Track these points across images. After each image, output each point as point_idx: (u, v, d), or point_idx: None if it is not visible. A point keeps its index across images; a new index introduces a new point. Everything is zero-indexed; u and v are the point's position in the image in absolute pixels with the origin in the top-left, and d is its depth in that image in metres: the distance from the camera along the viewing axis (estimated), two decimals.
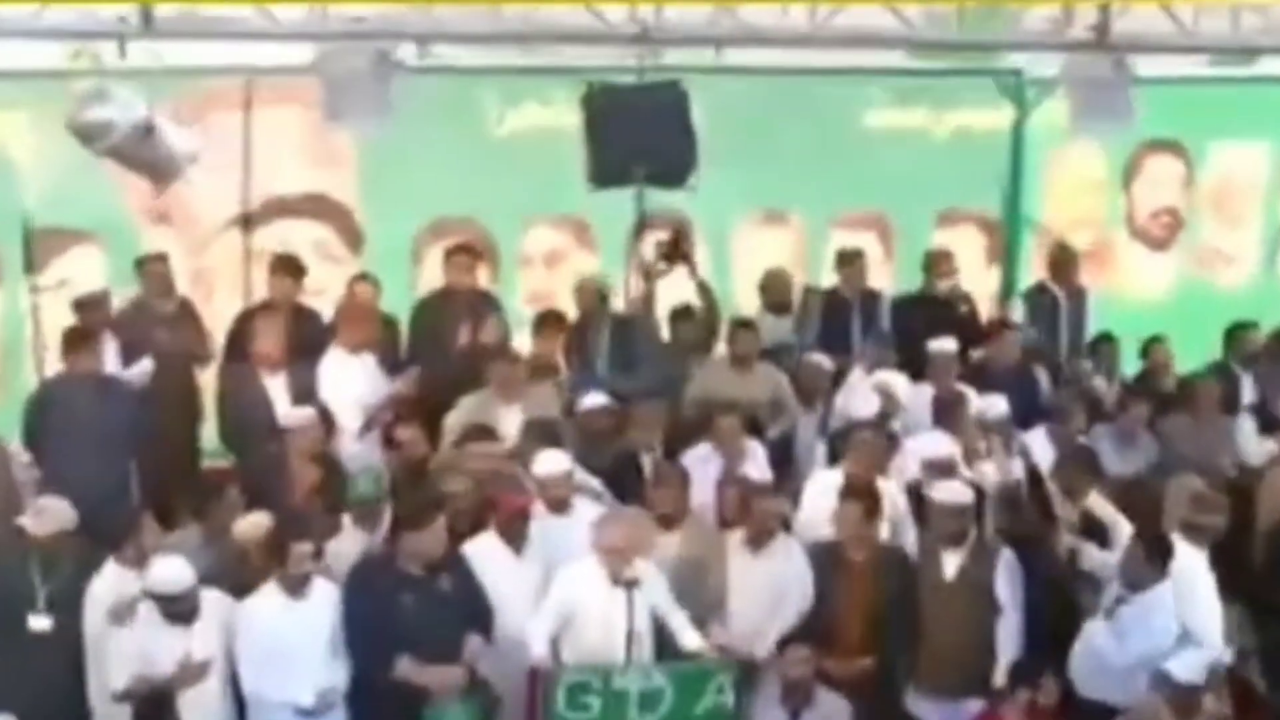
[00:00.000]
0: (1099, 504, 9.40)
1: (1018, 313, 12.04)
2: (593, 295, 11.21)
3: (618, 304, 11.29)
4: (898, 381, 10.58)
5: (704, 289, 11.28)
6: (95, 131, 9.01)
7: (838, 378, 10.99)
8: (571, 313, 11.29)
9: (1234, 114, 13.04)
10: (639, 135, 10.59)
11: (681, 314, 11.28)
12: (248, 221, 11.61)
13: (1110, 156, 13.13)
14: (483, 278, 11.51)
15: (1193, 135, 13.15)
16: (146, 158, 9.19)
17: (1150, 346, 11.65)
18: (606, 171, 10.63)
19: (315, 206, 11.75)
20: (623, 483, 9.56)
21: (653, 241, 11.28)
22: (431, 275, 11.43)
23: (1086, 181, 13.21)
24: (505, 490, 8.83)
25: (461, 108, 11.64)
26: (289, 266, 10.80)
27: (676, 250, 11.15)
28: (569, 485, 8.99)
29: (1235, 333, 11.84)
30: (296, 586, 8.22)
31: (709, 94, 11.13)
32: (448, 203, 11.73)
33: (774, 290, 11.70)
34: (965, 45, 10.96)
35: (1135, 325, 12.18)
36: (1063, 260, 12.16)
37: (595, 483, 9.41)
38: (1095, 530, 9.28)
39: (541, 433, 9.45)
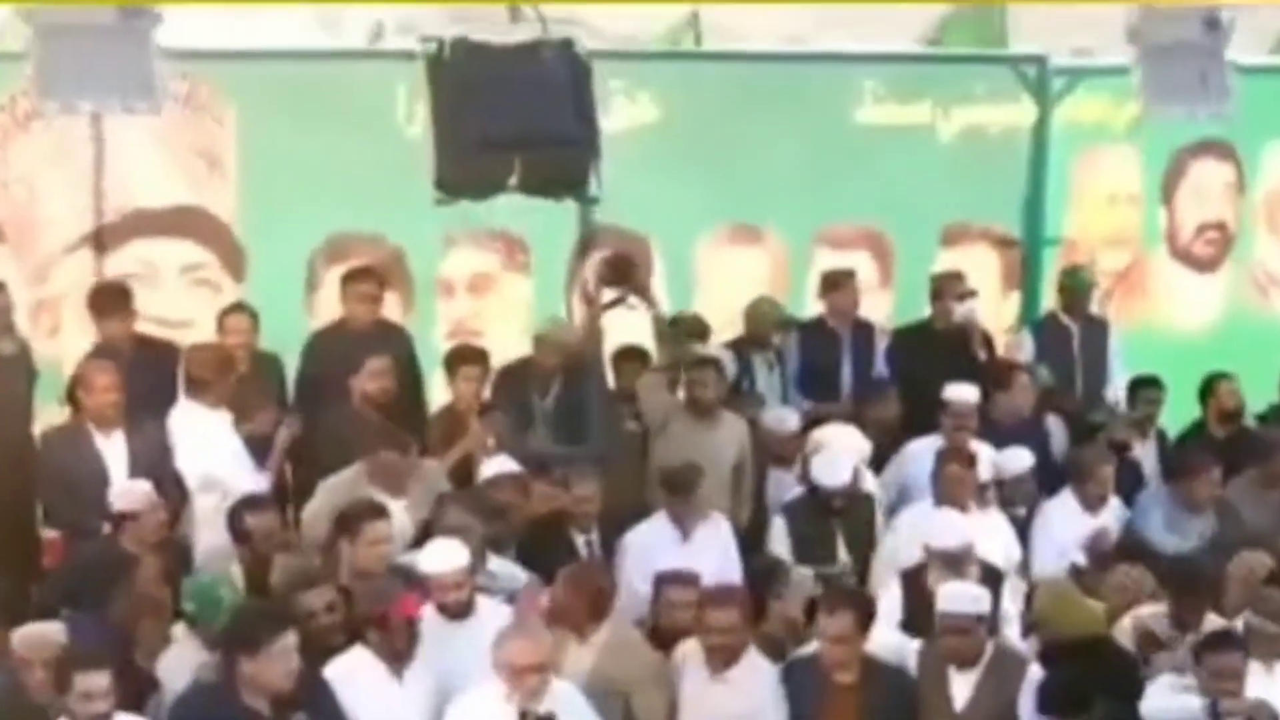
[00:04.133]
0: None
1: (1024, 349, 10.87)
2: (564, 353, 9.57)
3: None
4: (830, 436, 9.48)
5: (661, 326, 9.79)
6: None
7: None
8: (508, 351, 9.89)
9: None
10: (511, 120, 7.89)
11: (629, 355, 9.85)
12: (101, 240, 10.14)
13: (1148, 161, 12.10)
14: (393, 308, 10.16)
15: (1245, 134, 11.90)
16: None
17: (1214, 385, 10.45)
18: (460, 175, 7.93)
19: (186, 222, 10.25)
20: (548, 569, 8.09)
21: (596, 263, 9.92)
22: (330, 304, 10.11)
23: (1120, 191, 12.17)
24: (385, 596, 7.28)
25: (364, 100, 10.19)
26: (110, 301, 9.25)
27: (623, 274, 9.65)
28: (467, 585, 7.52)
29: None
30: None
31: (667, 82, 10.52)
32: (350, 216, 10.34)
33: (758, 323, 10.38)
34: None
35: (1176, 361, 11.21)
36: (1072, 287, 11.07)
37: (518, 573, 8.08)
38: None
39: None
